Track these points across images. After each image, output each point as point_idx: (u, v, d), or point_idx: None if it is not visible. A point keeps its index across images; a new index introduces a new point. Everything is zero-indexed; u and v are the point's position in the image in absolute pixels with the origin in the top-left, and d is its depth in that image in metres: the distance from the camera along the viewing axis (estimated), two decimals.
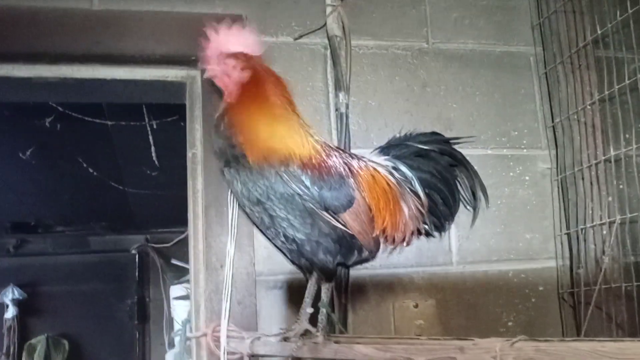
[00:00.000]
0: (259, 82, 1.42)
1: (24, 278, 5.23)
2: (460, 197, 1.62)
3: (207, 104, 1.79)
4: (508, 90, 2.03)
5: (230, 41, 1.42)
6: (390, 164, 1.54)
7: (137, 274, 5.53)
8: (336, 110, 1.79)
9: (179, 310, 4.01)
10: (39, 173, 3.82)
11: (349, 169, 1.44)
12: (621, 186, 1.81)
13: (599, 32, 1.80)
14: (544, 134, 2.02)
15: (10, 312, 5.16)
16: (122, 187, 4.14)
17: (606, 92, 1.79)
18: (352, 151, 1.70)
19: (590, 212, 1.85)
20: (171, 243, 5.30)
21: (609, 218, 1.75)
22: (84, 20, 1.75)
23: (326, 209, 1.36)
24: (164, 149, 3.27)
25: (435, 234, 1.58)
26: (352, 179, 1.42)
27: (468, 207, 1.64)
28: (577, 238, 1.88)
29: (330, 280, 1.45)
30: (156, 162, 3.11)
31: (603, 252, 1.73)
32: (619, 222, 1.69)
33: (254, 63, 1.44)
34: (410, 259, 1.84)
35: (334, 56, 1.81)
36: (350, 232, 1.40)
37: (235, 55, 1.41)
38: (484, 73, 2.02)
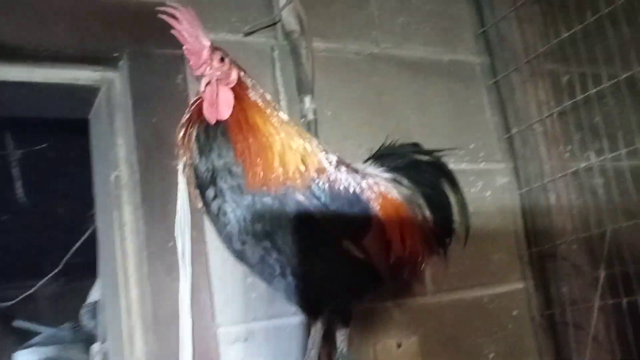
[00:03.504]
0: (244, 85, 1.10)
1: None
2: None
3: (138, 112, 1.40)
4: (460, 101, 1.88)
5: (200, 32, 1.08)
6: (390, 176, 1.29)
7: None
8: (302, 117, 1.50)
9: None
10: None
11: (359, 183, 1.15)
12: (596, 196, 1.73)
13: (556, 41, 1.71)
14: (499, 147, 1.90)
15: None
16: None
17: (568, 104, 1.70)
18: None
19: (560, 226, 1.74)
20: (13, 302, 4.50)
21: (598, 229, 1.63)
22: None
23: (344, 233, 1.07)
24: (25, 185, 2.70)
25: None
26: (365, 196, 1.14)
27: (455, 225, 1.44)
28: (548, 255, 1.76)
29: (348, 324, 1.14)
30: (22, 199, 2.54)
31: (596, 268, 1.61)
32: (610, 232, 1.58)
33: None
34: (387, 290, 1.58)
35: (294, 55, 1.53)
36: (369, 260, 1.11)
37: (220, 51, 1.08)
38: (435, 82, 1.85)
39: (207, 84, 1.03)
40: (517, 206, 1.85)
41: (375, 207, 1.15)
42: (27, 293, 4.09)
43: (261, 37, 1.61)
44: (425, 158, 1.41)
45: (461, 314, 1.68)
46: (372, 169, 1.29)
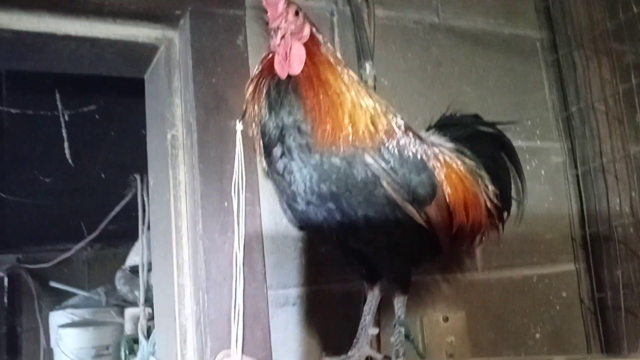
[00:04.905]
0: (316, 41, 1.07)
1: None
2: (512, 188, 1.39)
3: (198, 73, 1.39)
4: (518, 76, 1.83)
5: None
6: (453, 146, 1.26)
7: (6, 300, 4.69)
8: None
9: (68, 341, 3.41)
10: None
11: (424, 150, 1.13)
12: None
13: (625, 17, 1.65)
14: (555, 125, 1.85)
15: None
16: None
17: (635, 82, 1.64)
18: None
19: (618, 209, 1.69)
20: (50, 263, 4.58)
21: None
22: None
23: (412, 200, 1.05)
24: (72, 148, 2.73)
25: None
26: (431, 164, 1.11)
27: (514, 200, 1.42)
28: (603, 238, 1.71)
29: (406, 292, 1.12)
30: (70, 161, 2.56)
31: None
32: None
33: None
34: (437, 264, 1.56)
35: (357, 19, 1.50)
36: (431, 229, 1.09)
37: (294, 5, 1.05)
38: (495, 55, 1.81)
39: (282, 37, 1.01)
40: (572, 186, 1.81)
41: (441, 175, 1.12)
42: (64, 256, 4.16)
43: (321, 1, 1.58)
44: (486, 130, 1.37)
45: (509, 292, 1.66)
46: (435, 138, 1.26)
